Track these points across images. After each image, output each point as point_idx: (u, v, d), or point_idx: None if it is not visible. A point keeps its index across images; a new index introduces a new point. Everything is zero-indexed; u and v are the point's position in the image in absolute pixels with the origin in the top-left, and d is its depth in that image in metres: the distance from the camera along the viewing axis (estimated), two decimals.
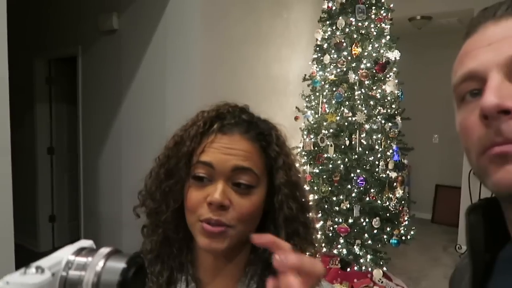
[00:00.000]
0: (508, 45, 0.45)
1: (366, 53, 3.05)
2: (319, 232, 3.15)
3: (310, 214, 0.73)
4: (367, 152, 3.04)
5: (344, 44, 3.08)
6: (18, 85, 1.94)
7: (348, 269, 3.12)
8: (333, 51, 3.16)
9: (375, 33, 3.07)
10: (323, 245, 3.15)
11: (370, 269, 3.02)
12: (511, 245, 0.50)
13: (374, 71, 3.03)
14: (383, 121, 3.08)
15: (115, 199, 3.44)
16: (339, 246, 3.09)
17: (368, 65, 3.04)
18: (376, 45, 3.07)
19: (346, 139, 3.08)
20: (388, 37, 3.11)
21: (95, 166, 3.73)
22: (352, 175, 3.03)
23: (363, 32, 3.08)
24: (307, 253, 0.72)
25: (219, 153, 0.66)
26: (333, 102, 3.13)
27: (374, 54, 3.05)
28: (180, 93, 2.94)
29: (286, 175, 0.70)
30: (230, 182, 0.65)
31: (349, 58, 3.07)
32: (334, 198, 3.11)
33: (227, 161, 0.65)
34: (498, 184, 0.44)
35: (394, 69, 3.18)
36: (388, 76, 3.12)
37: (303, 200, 0.72)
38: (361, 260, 3.03)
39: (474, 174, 0.47)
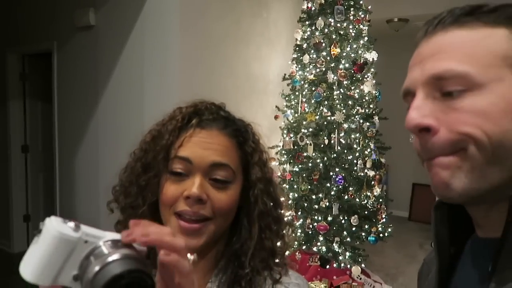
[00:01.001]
0: (431, 64, 0.48)
1: (344, 54, 3.10)
2: (299, 230, 3.18)
3: (282, 210, 0.75)
4: (345, 151, 3.09)
5: (323, 45, 3.11)
6: None
7: (328, 266, 3.16)
8: (312, 51, 3.19)
9: (353, 34, 3.12)
10: (303, 242, 3.18)
11: (349, 266, 3.07)
12: (474, 239, 0.53)
13: (353, 71, 3.07)
14: (361, 121, 3.13)
15: (92, 199, 3.39)
16: (318, 243, 3.13)
17: (347, 65, 3.08)
18: (355, 46, 3.11)
19: (325, 138, 3.11)
20: (366, 38, 3.17)
21: (72, 165, 3.65)
22: (331, 173, 3.08)
23: (341, 33, 3.12)
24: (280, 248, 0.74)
25: (198, 147, 0.67)
26: (312, 101, 3.16)
27: (352, 55, 3.10)
28: (158, 91, 2.92)
29: (261, 171, 0.72)
30: (207, 177, 0.66)
31: (328, 58, 3.11)
32: (314, 197, 3.15)
33: (205, 157, 0.66)
34: (434, 191, 0.49)
35: (372, 69, 3.24)
36: (366, 76, 3.18)
37: (276, 196, 0.74)
38: (340, 258, 3.08)
39: None
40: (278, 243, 0.74)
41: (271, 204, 0.72)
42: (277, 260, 0.73)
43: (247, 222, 0.71)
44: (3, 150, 4.29)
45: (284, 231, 0.76)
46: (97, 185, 3.34)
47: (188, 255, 0.47)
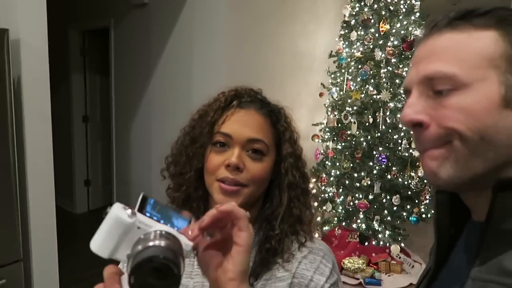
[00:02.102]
0: (424, 65, 0.53)
1: (394, 30, 3.01)
2: (340, 207, 3.24)
3: (309, 184, 0.85)
4: (390, 130, 3.06)
5: (372, 21, 3.04)
6: (54, 55, 2.08)
7: (367, 244, 3.21)
8: (360, 27, 3.13)
9: (404, 9, 3.01)
10: (343, 219, 3.24)
11: (388, 244, 3.10)
12: (470, 221, 0.58)
13: (402, 49, 2.99)
14: None
15: (145, 165, 3.63)
16: (358, 221, 3.17)
17: (396, 42, 3.00)
18: (405, 22, 3.01)
19: (370, 117, 3.09)
20: (417, 14, 3.05)
21: (127, 134, 3.91)
22: (374, 152, 3.07)
23: (392, 8, 3.02)
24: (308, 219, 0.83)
25: (237, 124, 0.78)
26: (358, 79, 3.13)
27: (402, 32, 3.00)
28: (206, 67, 3.02)
29: (291, 147, 0.83)
30: (245, 149, 0.77)
31: (376, 35, 3.04)
32: (356, 175, 3.17)
33: (243, 132, 0.77)
34: (430, 181, 0.54)
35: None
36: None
37: (304, 170, 0.84)
38: (380, 236, 3.11)
39: None
40: (306, 212, 0.83)
41: (300, 177, 0.82)
42: (304, 227, 0.82)
43: (278, 192, 0.82)
44: (66, 120, 4.65)
45: (311, 203, 0.85)
46: (149, 152, 3.57)
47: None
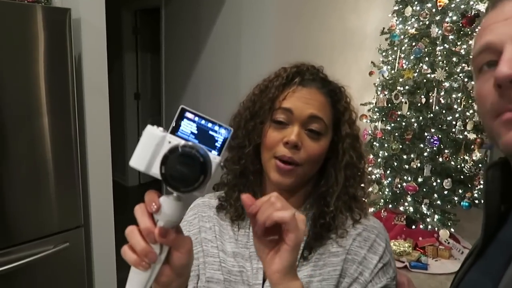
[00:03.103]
0: None
1: (453, 5, 2.84)
2: (387, 189, 3.17)
3: (365, 165, 0.85)
4: (444, 111, 2.92)
5: None
6: (108, 34, 2.17)
7: (414, 227, 3.13)
8: (416, 2, 2.97)
9: None
10: (389, 201, 3.18)
11: (436, 229, 3.01)
12: None
13: (460, 24, 2.82)
14: (465, 79, 2.90)
15: None
16: (406, 204, 3.09)
17: (454, 18, 2.83)
18: None
19: (423, 96, 2.97)
20: None
21: (176, 111, 4.02)
22: (426, 134, 2.96)
23: None
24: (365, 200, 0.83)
25: (299, 101, 0.78)
26: (412, 57, 3.00)
27: (462, 6, 2.82)
28: (255, 45, 3.01)
29: (350, 128, 0.82)
30: (304, 128, 0.77)
31: (434, 10, 2.88)
32: (405, 156, 3.08)
33: (304, 109, 0.77)
34: (508, 145, 0.49)
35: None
36: (476, 30, 2.89)
37: (361, 152, 0.84)
38: (428, 220, 3.02)
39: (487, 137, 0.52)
40: (360, 192, 0.84)
41: (357, 157, 0.82)
42: (358, 205, 0.83)
43: (334, 170, 0.82)
44: (119, 97, 4.85)
45: (365, 182, 0.85)
46: None
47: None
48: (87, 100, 2.12)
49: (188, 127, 0.51)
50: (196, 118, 0.51)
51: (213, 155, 0.50)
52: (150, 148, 0.49)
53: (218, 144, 0.52)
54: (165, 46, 4.04)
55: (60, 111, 1.97)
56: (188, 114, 0.51)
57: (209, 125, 0.52)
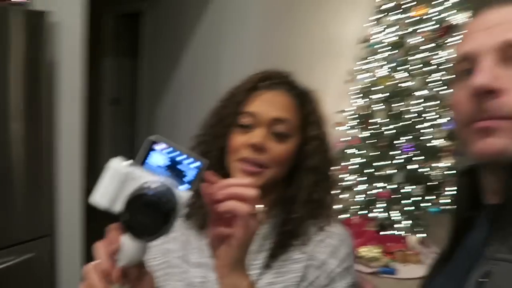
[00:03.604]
0: (503, 30, 0.49)
1: (429, 16, 2.91)
2: (360, 195, 3.21)
3: (334, 170, 0.85)
4: (417, 119, 2.99)
5: (407, 5, 2.95)
6: (88, 39, 2.13)
7: (385, 233, 3.18)
8: (394, 12, 3.04)
9: None
10: (362, 207, 3.22)
11: (406, 234, 3.07)
12: (486, 206, 0.58)
13: (437, 35, 2.89)
14: (438, 89, 2.98)
15: None
16: (378, 210, 3.14)
17: (431, 28, 2.90)
18: (442, 7, 2.90)
19: (398, 105, 3.03)
20: None
21: (153, 118, 3.98)
22: (399, 141, 3.02)
23: None
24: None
25: (263, 104, 0.78)
26: (388, 66, 3.06)
27: (438, 17, 2.90)
28: (236, 52, 3.03)
29: (316, 130, 0.82)
30: (269, 130, 0.77)
31: (411, 20, 2.95)
32: (379, 163, 3.13)
33: (268, 112, 0.77)
34: (478, 153, 0.51)
35: (459, 33, 3.02)
36: (450, 41, 2.98)
37: (329, 155, 0.84)
38: (398, 225, 3.08)
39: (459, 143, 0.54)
40: (327, 197, 0.84)
41: (323, 161, 0.82)
42: (324, 211, 0.83)
43: (301, 175, 0.82)
44: (96, 103, 4.73)
45: (334, 187, 0.85)
46: (176, 134, 3.62)
47: (258, 206, 0.54)
48: (60, 106, 2.07)
49: (157, 159, 0.48)
50: (166, 150, 0.49)
51: (184, 189, 0.48)
52: (114, 185, 0.47)
53: (190, 177, 0.49)
54: (145, 51, 3.99)
55: (33, 116, 1.91)
56: (157, 146, 0.48)
57: (181, 157, 0.49)
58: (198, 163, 0.50)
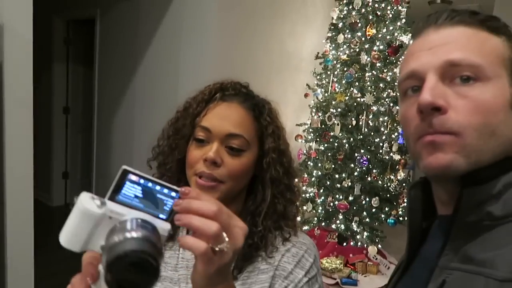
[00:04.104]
0: (444, 51, 0.53)
1: (380, 35, 3.06)
2: (320, 207, 3.27)
3: (295, 180, 0.85)
4: (372, 134, 3.11)
5: (359, 25, 3.08)
6: (37, 43, 2.03)
7: (345, 244, 3.25)
8: (347, 30, 3.17)
9: (391, 15, 3.07)
10: (322, 219, 3.27)
11: (365, 245, 3.15)
12: (439, 217, 0.61)
13: (387, 53, 3.05)
14: (391, 104, 3.12)
15: (127, 161, 3.56)
16: (337, 221, 3.21)
17: (381, 47, 3.05)
18: (391, 28, 3.07)
19: (353, 119, 3.13)
20: (404, 20, 3.11)
21: (108, 127, 3.85)
22: (356, 154, 3.11)
23: (379, 13, 3.08)
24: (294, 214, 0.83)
25: (216, 118, 0.78)
26: (343, 81, 3.17)
27: (388, 37, 3.06)
28: (194, 64, 3.00)
29: (274, 142, 0.82)
30: (224, 144, 0.77)
31: (363, 39, 3.09)
32: (337, 176, 3.21)
33: (222, 127, 0.77)
34: (427, 167, 0.54)
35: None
36: (400, 59, 3.14)
37: (289, 166, 0.84)
38: (358, 237, 3.15)
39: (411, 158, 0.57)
40: (291, 208, 0.84)
41: (283, 172, 0.82)
42: (288, 222, 0.83)
43: (261, 187, 0.82)
44: (47, 111, 4.54)
45: (296, 198, 0.85)
46: (131, 146, 3.52)
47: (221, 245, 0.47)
48: (7, 113, 1.95)
49: (131, 190, 0.45)
50: (142, 181, 0.46)
51: (162, 222, 0.46)
52: (86, 228, 0.43)
53: (167, 208, 0.47)
54: (99, 59, 3.88)
55: None
56: (131, 176, 0.46)
57: (157, 187, 0.46)
58: (174, 193, 0.47)
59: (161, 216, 0.47)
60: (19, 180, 2.04)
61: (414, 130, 0.55)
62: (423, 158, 0.53)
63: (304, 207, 3.30)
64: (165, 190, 0.47)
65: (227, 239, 0.47)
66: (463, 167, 0.51)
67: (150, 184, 0.46)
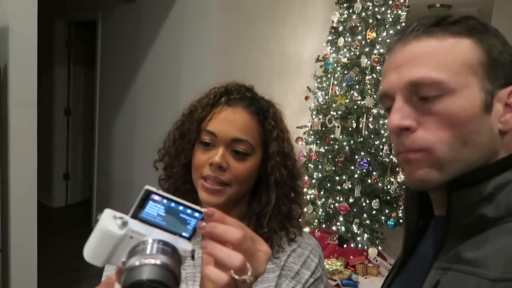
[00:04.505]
0: (407, 70, 0.54)
1: (380, 39, 3.09)
2: (320, 209, 3.29)
3: (298, 182, 0.86)
4: (372, 136, 3.13)
5: (359, 28, 3.11)
6: (39, 46, 2.05)
7: (345, 246, 3.27)
8: (348, 34, 3.19)
9: (390, 19, 3.10)
10: (323, 221, 3.29)
11: (366, 247, 3.16)
12: (436, 216, 0.62)
13: (390, 48, 3.06)
14: None
15: (127, 162, 3.60)
16: (338, 223, 3.22)
17: (381, 50, 3.07)
18: (391, 31, 3.09)
19: (354, 122, 3.15)
20: (403, 24, 3.13)
21: (110, 129, 3.87)
22: (356, 157, 3.13)
23: (379, 17, 3.10)
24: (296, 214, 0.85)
25: (222, 123, 0.79)
26: (344, 84, 3.19)
27: (388, 40, 3.08)
28: (195, 66, 3.03)
29: (279, 146, 0.83)
30: (229, 149, 0.78)
31: (363, 42, 3.11)
32: (337, 178, 3.22)
33: (228, 132, 0.78)
34: (407, 181, 0.57)
35: None
36: None
37: (293, 168, 0.85)
38: (358, 239, 3.17)
39: None
40: (296, 210, 0.86)
41: (288, 175, 0.83)
42: (293, 223, 0.85)
43: (266, 189, 0.83)
44: (48, 113, 4.55)
45: (301, 200, 0.87)
46: (132, 149, 3.54)
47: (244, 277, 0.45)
48: (11, 114, 1.97)
49: (154, 209, 0.46)
50: (164, 201, 0.46)
51: (184, 242, 0.46)
52: (108, 247, 0.44)
53: (190, 227, 0.47)
54: (100, 60, 3.90)
55: None
56: (154, 196, 0.46)
57: (180, 207, 0.47)
58: (197, 214, 0.47)
59: (184, 234, 0.47)
60: (23, 181, 2.06)
61: (394, 146, 0.58)
62: (405, 172, 0.57)
63: (305, 209, 3.30)
64: (188, 211, 0.47)
65: (250, 269, 0.46)
66: (437, 180, 0.53)
67: (173, 204, 0.47)
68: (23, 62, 1.99)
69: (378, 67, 3.08)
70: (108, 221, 0.44)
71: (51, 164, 4.62)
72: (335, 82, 3.29)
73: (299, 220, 0.86)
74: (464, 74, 0.52)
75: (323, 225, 3.31)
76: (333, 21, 3.33)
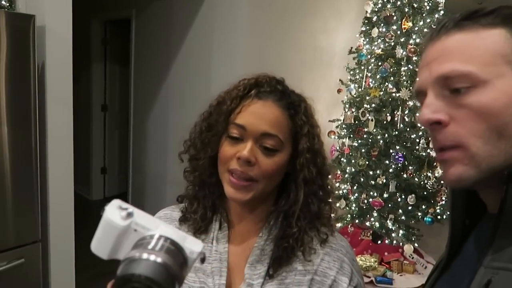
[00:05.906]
0: (437, 65, 0.53)
1: (416, 28, 2.97)
2: (353, 204, 3.22)
3: (329, 180, 0.83)
4: (408, 129, 3.02)
5: (394, 18, 3.00)
6: (76, 44, 2.12)
7: (379, 242, 3.18)
8: (382, 24, 3.09)
9: (428, 7, 2.96)
10: (356, 216, 3.22)
11: (401, 244, 3.07)
12: (485, 214, 0.59)
13: (424, 47, 2.94)
14: None
15: (161, 157, 3.67)
16: (372, 219, 3.14)
17: (418, 40, 2.95)
18: (428, 20, 2.96)
19: (388, 114, 3.05)
20: (442, 12, 2.99)
21: (144, 123, 3.96)
22: (391, 151, 3.04)
23: (415, 5, 2.98)
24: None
25: (252, 117, 0.76)
26: (378, 76, 3.09)
27: (425, 30, 2.95)
28: (226, 62, 3.03)
29: (309, 142, 0.79)
30: (258, 143, 0.75)
31: (398, 32, 3.00)
32: (371, 172, 3.14)
33: (257, 126, 0.75)
34: (445, 182, 0.55)
35: None
36: None
37: (322, 165, 0.81)
38: (393, 235, 3.08)
39: None
40: (324, 209, 0.82)
41: (317, 172, 0.80)
42: (323, 222, 0.81)
43: (294, 187, 0.80)
44: (86, 109, 4.72)
45: (330, 198, 0.83)
46: (166, 144, 3.61)
47: None
48: (49, 110, 2.05)
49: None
50: None
51: (193, 241, 0.45)
52: (111, 239, 0.43)
53: None
54: (134, 58, 3.99)
55: (21, 120, 1.89)
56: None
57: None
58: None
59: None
60: (60, 175, 2.14)
61: (433, 143, 0.56)
62: (443, 172, 0.55)
63: (338, 204, 3.25)
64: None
65: None
66: (475, 177, 0.51)
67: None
68: (60, 60, 2.06)
69: (414, 58, 2.96)
70: (112, 212, 0.43)
71: (89, 159, 4.79)
72: (369, 74, 3.20)
73: (330, 219, 0.83)
74: (497, 64, 0.50)
75: (356, 221, 3.24)
76: (366, 12, 3.22)
